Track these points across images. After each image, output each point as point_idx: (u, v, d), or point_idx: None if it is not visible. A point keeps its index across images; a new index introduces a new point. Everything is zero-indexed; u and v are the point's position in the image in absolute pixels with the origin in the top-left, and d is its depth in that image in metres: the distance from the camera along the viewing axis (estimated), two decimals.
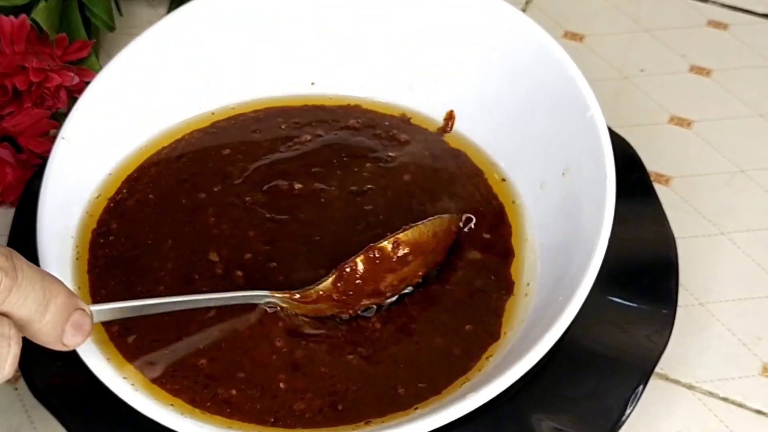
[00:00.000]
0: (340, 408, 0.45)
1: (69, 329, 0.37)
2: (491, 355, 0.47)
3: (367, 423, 0.44)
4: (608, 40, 0.70)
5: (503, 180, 0.55)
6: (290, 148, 0.56)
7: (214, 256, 0.50)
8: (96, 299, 0.48)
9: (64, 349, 0.38)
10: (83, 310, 0.38)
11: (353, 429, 0.44)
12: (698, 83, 0.67)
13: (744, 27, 0.71)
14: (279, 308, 0.48)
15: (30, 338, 0.37)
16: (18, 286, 0.35)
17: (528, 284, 0.50)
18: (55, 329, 0.37)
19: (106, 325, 0.46)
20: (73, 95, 0.59)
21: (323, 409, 0.45)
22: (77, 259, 0.50)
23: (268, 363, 0.46)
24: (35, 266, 0.37)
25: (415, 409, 0.44)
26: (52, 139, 0.54)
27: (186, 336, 0.47)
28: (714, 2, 0.73)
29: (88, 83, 0.54)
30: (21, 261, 0.36)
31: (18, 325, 0.36)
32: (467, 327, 0.48)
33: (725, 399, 0.51)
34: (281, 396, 0.45)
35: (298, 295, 0.48)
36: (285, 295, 0.48)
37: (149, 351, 0.46)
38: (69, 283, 0.47)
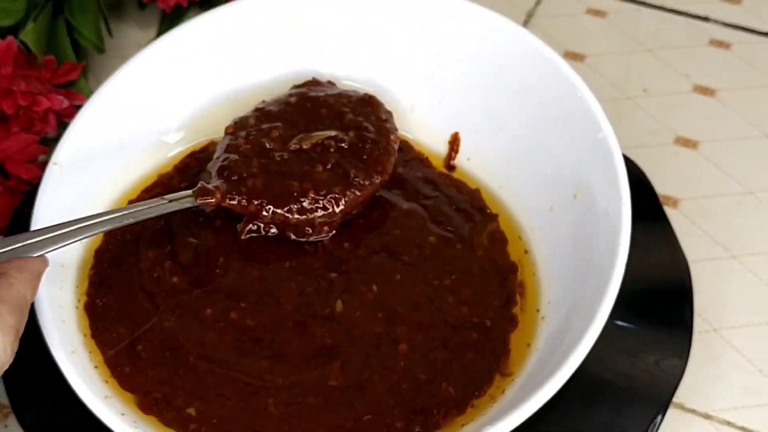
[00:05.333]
0: None
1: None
2: (501, 385, 0.46)
3: None
4: (609, 60, 0.70)
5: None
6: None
7: None
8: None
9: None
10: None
11: None
12: (703, 103, 0.67)
13: (746, 46, 0.71)
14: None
15: None
16: None
17: (538, 311, 0.49)
18: None
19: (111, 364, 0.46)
20: (63, 119, 0.58)
21: None
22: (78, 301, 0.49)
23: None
24: None
25: None
26: (41, 165, 0.53)
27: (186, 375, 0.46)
28: (716, 21, 0.73)
29: (78, 107, 0.53)
30: None
31: None
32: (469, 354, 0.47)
33: (743, 428, 0.50)
34: None
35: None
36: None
37: (151, 386, 0.45)
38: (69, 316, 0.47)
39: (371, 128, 0.51)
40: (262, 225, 0.50)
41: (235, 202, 0.49)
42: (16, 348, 0.38)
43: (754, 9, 0.74)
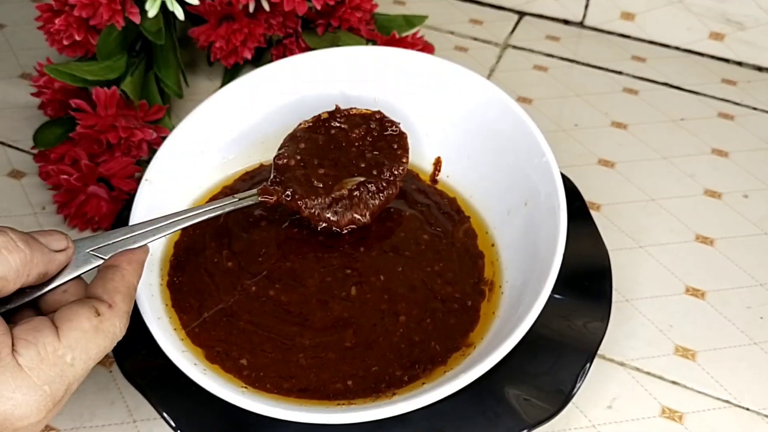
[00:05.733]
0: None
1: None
2: (473, 343, 0.45)
3: (393, 393, 0.42)
4: (550, 102, 0.68)
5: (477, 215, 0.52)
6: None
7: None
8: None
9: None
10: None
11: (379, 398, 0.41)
12: (618, 134, 0.65)
13: (650, 92, 0.69)
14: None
15: None
16: None
17: (500, 287, 0.48)
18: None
19: (186, 326, 0.44)
20: (152, 147, 0.57)
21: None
22: (162, 279, 0.47)
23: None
24: None
25: (423, 383, 0.42)
26: (137, 181, 0.52)
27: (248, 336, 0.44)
28: (627, 74, 0.72)
29: (164, 138, 0.52)
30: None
31: None
32: (452, 321, 0.46)
33: (648, 373, 0.49)
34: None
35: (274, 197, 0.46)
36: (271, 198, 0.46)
37: (213, 343, 0.44)
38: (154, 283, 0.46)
39: (387, 163, 0.49)
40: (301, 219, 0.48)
41: (289, 199, 0.47)
42: (127, 325, 0.36)
43: (656, 65, 0.72)
